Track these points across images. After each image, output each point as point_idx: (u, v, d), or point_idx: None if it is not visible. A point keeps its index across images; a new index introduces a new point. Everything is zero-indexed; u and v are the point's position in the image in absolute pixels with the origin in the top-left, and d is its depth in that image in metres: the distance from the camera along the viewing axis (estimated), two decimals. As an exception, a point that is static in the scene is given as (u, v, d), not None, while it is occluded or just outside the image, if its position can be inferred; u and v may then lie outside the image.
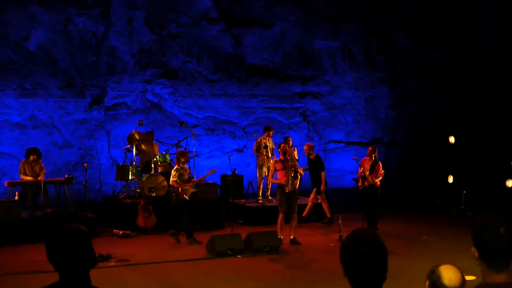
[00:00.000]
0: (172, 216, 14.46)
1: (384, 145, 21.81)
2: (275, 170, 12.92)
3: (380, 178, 14.61)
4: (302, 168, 13.39)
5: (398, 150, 21.72)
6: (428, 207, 18.11)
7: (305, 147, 15.71)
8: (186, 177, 13.23)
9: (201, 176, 14.13)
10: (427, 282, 3.52)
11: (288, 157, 12.82)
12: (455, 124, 20.01)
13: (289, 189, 12.69)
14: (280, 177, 12.80)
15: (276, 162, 13.02)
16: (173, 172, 13.26)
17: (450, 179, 18.67)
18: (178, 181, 13.08)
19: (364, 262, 2.89)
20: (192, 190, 13.26)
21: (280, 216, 12.97)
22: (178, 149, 15.44)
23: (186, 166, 13.53)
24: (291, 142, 16.31)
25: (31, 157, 14.32)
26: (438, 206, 18.03)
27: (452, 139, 18.84)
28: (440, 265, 3.56)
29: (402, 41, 22.10)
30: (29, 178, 14.20)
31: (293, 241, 12.89)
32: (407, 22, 21.88)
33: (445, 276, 3.46)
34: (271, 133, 16.69)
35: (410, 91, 22.13)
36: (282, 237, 12.82)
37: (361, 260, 2.90)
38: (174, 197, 13.80)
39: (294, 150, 13.49)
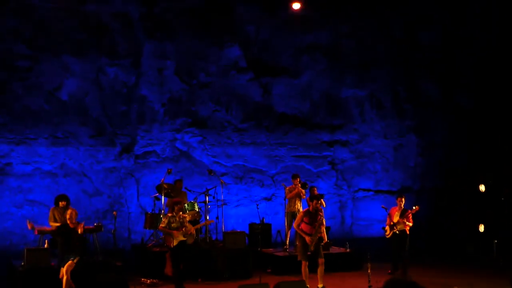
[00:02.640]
0: (201, 264, 14.53)
1: (414, 193, 21.61)
2: (302, 220, 12.82)
3: (409, 226, 14.59)
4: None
5: (428, 198, 21.50)
6: (459, 256, 17.85)
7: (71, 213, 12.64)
8: (175, 226, 13.17)
9: (196, 225, 14.19)
10: None
11: (318, 218, 12.74)
12: (485, 171, 19.82)
13: (311, 250, 12.66)
14: (306, 229, 12.70)
15: (304, 214, 12.89)
16: (163, 219, 13.38)
17: (481, 228, 18.43)
18: (166, 227, 13.14)
19: None
20: (181, 238, 13.14)
21: (303, 264, 12.84)
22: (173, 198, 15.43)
23: (184, 214, 13.58)
24: (316, 193, 16.26)
25: (61, 204, 14.37)
26: (470, 255, 17.77)
27: (482, 187, 18.67)
28: None
29: (431, 88, 22.08)
30: (58, 225, 14.21)
31: (322, 291, 12.72)
32: (435, 69, 21.89)
33: None
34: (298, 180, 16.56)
35: (439, 139, 22.00)
36: (309, 286, 12.67)
37: None
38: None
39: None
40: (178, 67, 19.39)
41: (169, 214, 13.43)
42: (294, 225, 13.22)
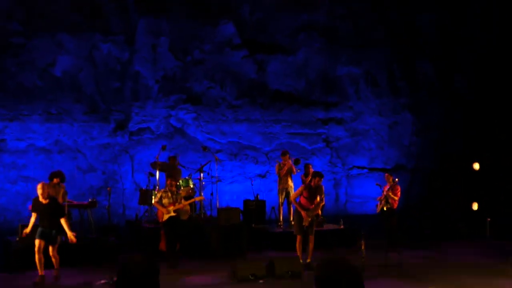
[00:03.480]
0: (195, 240, 14.60)
1: (408, 171, 21.66)
2: (301, 194, 12.84)
3: (395, 200, 14.81)
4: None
5: (422, 177, 21.56)
6: (452, 234, 17.92)
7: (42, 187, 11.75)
8: (167, 201, 13.30)
9: (186, 201, 14.18)
10: None
11: (318, 195, 12.80)
12: (479, 151, 19.84)
13: (306, 225, 12.72)
14: (304, 204, 12.75)
15: (305, 188, 12.91)
16: (157, 194, 13.53)
17: (475, 206, 18.52)
18: (158, 202, 13.30)
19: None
20: (172, 214, 13.28)
21: (298, 238, 12.91)
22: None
23: (176, 190, 13.59)
24: (311, 170, 16.29)
25: (55, 180, 14.28)
26: (462, 233, 17.85)
27: (476, 166, 18.72)
28: None
29: (426, 68, 22.04)
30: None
31: (309, 266, 12.75)
32: (431, 48, 21.85)
33: None
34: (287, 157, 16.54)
35: (434, 118, 22.00)
36: (302, 261, 12.73)
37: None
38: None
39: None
40: (172, 44, 19.31)
41: (163, 189, 13.58)
42: (292, 198, 13.28)
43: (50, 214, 11.61)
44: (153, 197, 15.08)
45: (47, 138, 17.82)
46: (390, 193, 14.79)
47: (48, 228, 11.58)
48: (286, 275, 11.90)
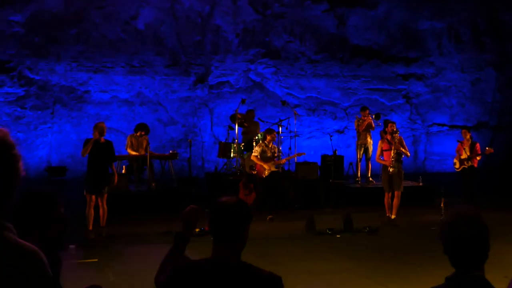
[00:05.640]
0: (273, 195, 14.71)
1: (490, 129, 21.17)
2: (382, 150, 12.85)
3: (477, 159, 14.68)
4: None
5: (504, 134, 21.05)
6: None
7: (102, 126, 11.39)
8: (269, 155, 13.32)
9: (287, 157, 14.17)
10: None
11: (394, 139, 12.71)
12: None
13: (393, 171, 12.62)
14: (386, 158, 12.73)
15: (382, 142, 12.94)
16: (256, 148, 13.48)
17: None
18: (259, 157, 13.29)
19: (466, 242, 2.86)
20: (273, 169, 13.30)
21: (386, 195, 12.91)
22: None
23: (273, 145, 13.64)
24: (394, 127, 16.11)
25: (139, 133, 14.69)
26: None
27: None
28: None
29: (511, 22, 21.32)
30: (134, 153, 14.55)
31: (392, 223, 12.76)
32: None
33: None
34: (367, 112, 16.39)
35: (519, 74, 21.37)
36: (389, 215, 12.76)
37: (463, 240, 2.86)
38: (255, 173, 13.91)
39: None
40: (253, -3, 19.28)
41: (261, 143, 13.58)
42: (376, 159, 13.28)
43: (103, 156, 11.07)
44: (234, 151, 15.16)
45: (129, 90, 18.20)
46: (476, 156, 14.65)
47: (96, 178, 10.99)
48: (364, 230, 11.92)
